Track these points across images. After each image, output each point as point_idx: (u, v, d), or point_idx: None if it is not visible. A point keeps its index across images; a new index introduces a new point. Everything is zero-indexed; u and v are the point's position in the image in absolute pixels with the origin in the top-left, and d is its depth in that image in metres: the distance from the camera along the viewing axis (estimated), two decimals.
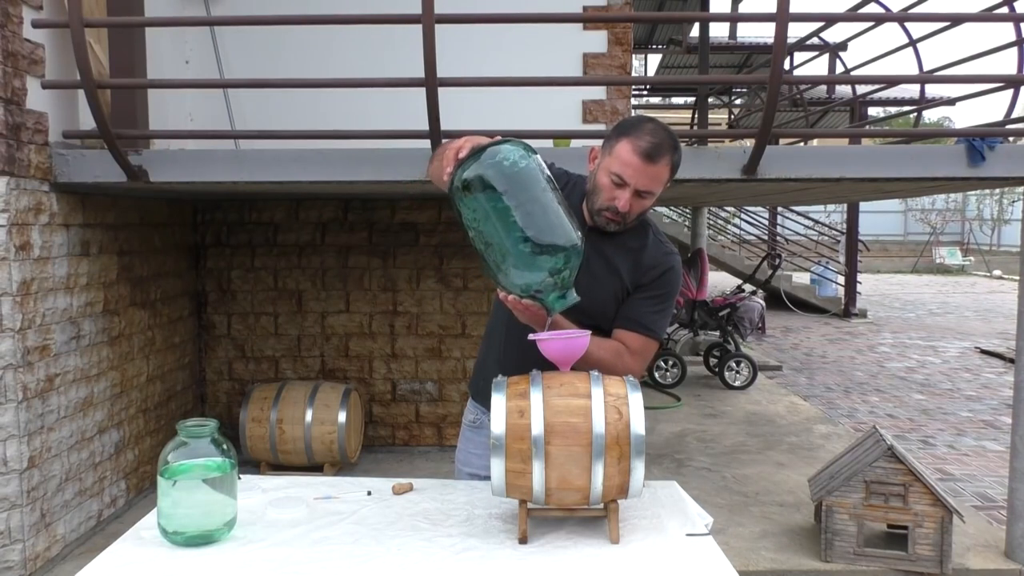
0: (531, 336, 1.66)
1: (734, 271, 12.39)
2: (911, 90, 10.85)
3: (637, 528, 1.68)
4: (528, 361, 1.72)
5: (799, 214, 14.11)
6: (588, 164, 1.96)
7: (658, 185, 1.84)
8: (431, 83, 3.00)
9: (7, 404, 3.14)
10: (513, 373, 1.68)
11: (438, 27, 2.92)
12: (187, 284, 5.02)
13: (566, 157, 3.44)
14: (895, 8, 5.30)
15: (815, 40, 7.83)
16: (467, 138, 1.66)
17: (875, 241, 21.01)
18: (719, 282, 13.31)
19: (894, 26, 5.95)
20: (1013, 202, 22.82)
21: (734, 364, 7.13)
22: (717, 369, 7.33)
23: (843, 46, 8.19)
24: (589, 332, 1.67)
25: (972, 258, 21.94)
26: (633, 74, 7.94)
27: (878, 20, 4.41)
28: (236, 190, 4.07)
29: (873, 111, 12.64)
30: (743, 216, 14.45)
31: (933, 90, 9.41)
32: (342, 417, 4.54)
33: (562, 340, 1.64)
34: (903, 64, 5.44)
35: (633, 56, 7.21)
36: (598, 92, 4.80)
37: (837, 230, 14.55)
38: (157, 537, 1.61)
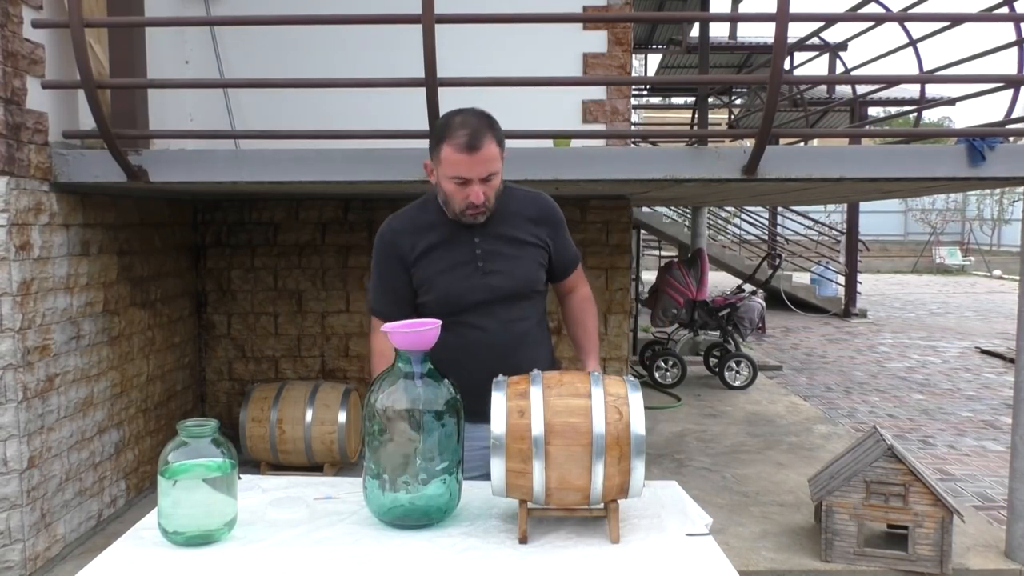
0: (384, 327, 1.68)
1: (734, 271, 12.37)
2: (911, 90, 10.85)
3: (637, 528, 1.68)
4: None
5: (799, 214, 14.10)
6: (429, 178, 2.03)
7: (495, 163, 1.93)
8: (431, 83, 3.00)
9: (7, 404, 3.14)
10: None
11: (438, 27, 2.92)
12: (187, 284, 5.02)
13: (565, 157, 3.46)
14: (895, 8, 5.31)
15: (815, 40, 7.83)
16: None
17: (875, 241, 21.00)
18: (719, 282, 13.30)
19: (894, 26, 5.95)
20: (1013, 202, 22.80)
21: (734, 364, 7.13)
22: (717, 369, 7.32)
23: (843, 46, 8.20)
24: (440, 322, 1.67)
25: (972, 258, 21.93)
26: (633, 74, 7.94)
27: (878, 20, 4.41)
28: (236, 190, 4.07)
29: (873, 111, 12.63)
30: (743, 216, 14.43)
31: (933, 90, 9.42)
32: (342, 417, 4.53)
33: (413, 334, 1.64)
34: (903, 64, 5.44)
35: (633, 56, 7.21)
36: (598, 92, 4.80)
37: (837, 230, 14.54)
38: (157, 537, 1.61)
